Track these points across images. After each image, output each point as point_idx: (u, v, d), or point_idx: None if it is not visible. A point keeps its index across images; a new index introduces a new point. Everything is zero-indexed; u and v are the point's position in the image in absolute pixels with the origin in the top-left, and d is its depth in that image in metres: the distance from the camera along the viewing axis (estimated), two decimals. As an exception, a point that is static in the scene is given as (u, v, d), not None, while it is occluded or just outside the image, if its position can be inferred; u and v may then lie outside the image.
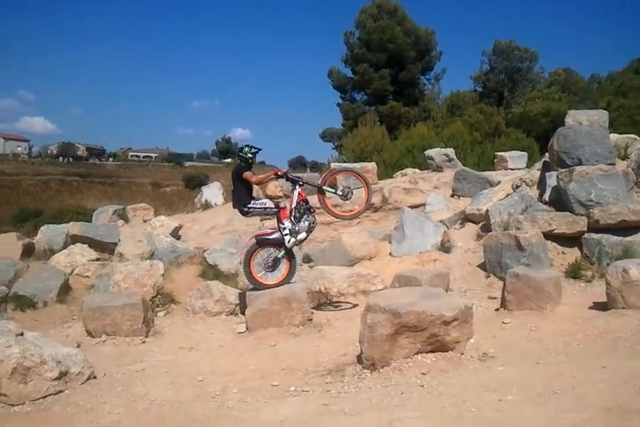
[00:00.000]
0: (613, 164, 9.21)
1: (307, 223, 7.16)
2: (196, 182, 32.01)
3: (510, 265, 7.58)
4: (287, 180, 7.41)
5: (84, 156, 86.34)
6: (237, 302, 7.60)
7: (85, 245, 10.03)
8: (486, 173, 12.22)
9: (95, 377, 5.10)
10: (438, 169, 13.31)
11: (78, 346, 5.91)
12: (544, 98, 26.99)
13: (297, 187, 7.23)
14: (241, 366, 5.44)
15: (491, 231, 8.75)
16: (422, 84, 32.74)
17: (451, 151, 13.94)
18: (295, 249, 7.46)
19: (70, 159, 78.35)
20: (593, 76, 34.98)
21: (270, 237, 7.20)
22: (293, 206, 7.16)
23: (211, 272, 9.09)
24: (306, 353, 5.73)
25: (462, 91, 30.91)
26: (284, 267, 7.18)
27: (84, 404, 4.56)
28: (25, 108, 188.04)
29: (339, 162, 15.24)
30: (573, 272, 7.71)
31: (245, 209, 7.21)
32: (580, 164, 8.86)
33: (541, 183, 9.69)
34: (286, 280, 7.08)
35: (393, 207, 11.28)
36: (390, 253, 9.35)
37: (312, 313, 6.93)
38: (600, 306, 6.34)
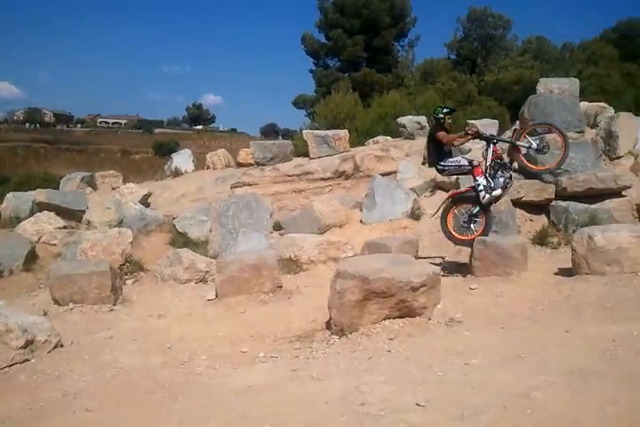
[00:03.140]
0: (582, 132, 9.31)
1: (502, 180, 7.10)
2: (166, 150, 31.41)
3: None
4: (480, 139, 7.42)
5: (52, 122, 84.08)
6: (207, 269, 7.56)
7: (52, 213, 9.88)
8: (458, 141, 12.22)
9: (62, 345, 5.04)
10: (410, 137, 13.26)
11: (45, 314, 5.84)
12: (517, 66, 26.88)
13: (491, 145, 7.19)
14: (210, 333, 5.44)
15: (460, 199, 8.78)
16: (396, 50, 32.34)
17: (423, 119, 13.85)
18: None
19: (37, 125, 76.28)
20: (565, 45, 34.92)
21: (465, 194, 7.38)
22: (488, 164, 7.16)
23: (180, 240, 9.03)
24: (275, 320, 5.74)
25: (436, 58, 30.58)
26: (480, 223, 7.23)
27: (50, 372, 4.52)
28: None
29: (311, 129, 15.04)
30: (540, 239, 7.83)
31: (440, 167, 7.35)
32: (550, 132, 8.91)
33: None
34: (483, 234, 7.02)
35: (364, 175, 11.25)
36: (361, 221, 9.37)
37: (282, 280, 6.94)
38: (565, 272, 6.45)
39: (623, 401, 3.41)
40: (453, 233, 7.31)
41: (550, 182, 8.50)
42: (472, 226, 7.25)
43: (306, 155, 12.07)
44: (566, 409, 3.35)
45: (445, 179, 9.84)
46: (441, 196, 9.77)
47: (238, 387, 4.08)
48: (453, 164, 7.23)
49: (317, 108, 20.34)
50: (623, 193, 8.52)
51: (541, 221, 8.43)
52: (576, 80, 10.60)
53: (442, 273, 5.65)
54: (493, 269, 6.46)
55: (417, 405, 3.46)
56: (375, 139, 14.16)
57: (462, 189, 7.58)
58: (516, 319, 5.21)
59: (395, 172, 11.13)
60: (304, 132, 12.73)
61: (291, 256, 7.76)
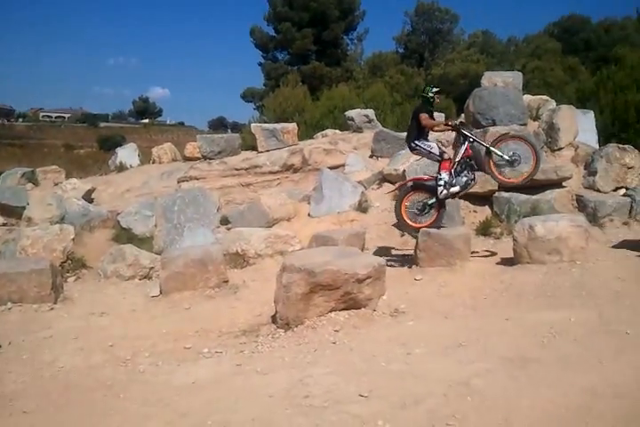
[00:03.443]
0: (525, 124, 9.51)
1: (464, 179, 7.15)
2: (111, 144, 30.71)
3: (423, 223, 7.73)
4: (458, 133, 7.41)
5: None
6: (151, 265, 7.42)
7: (-10, 209, 9.53)
8: (405, 134, 12.32)
9: (0, 346, 4.88)
10: (358, 130, 13.30)
11: (-19, 314, 5.63)
12: (463, 60, 27.40)
13: (466, 142, 7.17)
14: (153, 330, 5.33)
15: (407, 191, 8.88)
16: (345, 44, 32.52)
17: (371, 112, 13.94)
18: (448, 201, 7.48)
19: (-24, 120, 73.53)
20: (510, 39, 35.82)
21: (426, 183, 7.34)
22: (457, 160, 7.15)
23: (124, 236, 8.83)
24: (220, 315, 5.69)
25: (384, 52, 30.94)
26: (432, 214, 7.29)
27: (-14, 373, 4.36)
28: None
29: (259, 122, 14.93)
30: (483, 229, 7.99)
31: (413, 145, 7.31)
32: (495, 124, 9.10)
33: (457, 143, 9.86)
34: (432, 226, 7.07)
35: (313, 168, 11.25)
36: (309, 214, 9.37)
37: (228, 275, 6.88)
38: (507, 261, 6.59)
39: (558, 386, 3.52)
40: (405, 218, 7.36)
41: (494, 174, 8.65)
42: (424, 215, 7.32)
43: (254, 148, 11.96)
44: (504, 395, 3.43)
45: (393, 171, 9.93)
46: (388, 188, 9.87)
47: (181, 384, 4.02)
48: (426, 147, 7.23)
49: (266, 101, 20.20)
50: (563, 184, 8.77)
51: (485, 212, 8.59)
52: (519, 74, 10.81)
53: (388, 264, 5.70)
54: (438, 260, 6.56)
55: (360, 395, 3.49)
56: (324, 132, 14.17)
57: (425, 176, 7.60)
58: (458, 309, 5.31)
59: (343, 165, 11.16)
60: (252, 125, 12.60)
61: (238, 251, 7.69)
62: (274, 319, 5.15)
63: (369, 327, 4.86)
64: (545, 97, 11.60)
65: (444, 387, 3.60)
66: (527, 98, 10.91)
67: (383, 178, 10.14)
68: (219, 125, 59.84)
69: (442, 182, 7.08)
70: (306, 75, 28.40)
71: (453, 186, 7.10)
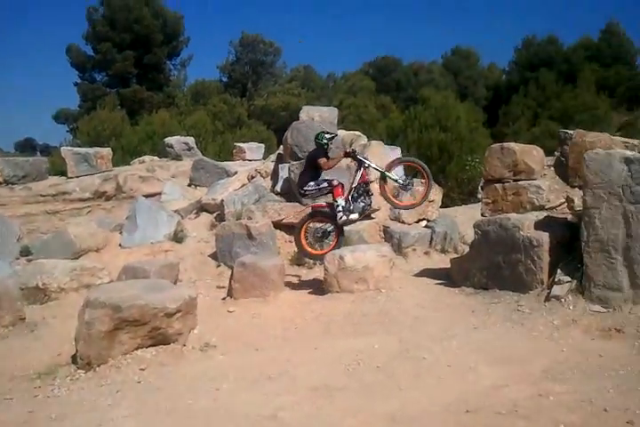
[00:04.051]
0: (341, 158, 9.95)
1: (362, 205, 7.25)
2: None
3: (241, 254, 7.74)
4: (353, 159, 7.42)
5: None
6: None
7: None
8: (224, 164, 12.35)
9: None
10: (177, 158, 13.07)
11: None
12: (285, 92, 28.31)
13: (361, 168, 7.24)
14: None
15: (225, 221, 8.87)
16: (168, 69, 31.97)
17: (191, 140, 13.80)
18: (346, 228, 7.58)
19: None
20: (329, 75, 37.89)
21: (323, 210, 7.38)
22: (353, 186, 7.27)
23: None
24: (14, 356, 5.15)
25: (208, 79, 31.04)
26: (331, 240, 7.37)
27: None
28: None
29: (72, 146, 14.08)
30: (298, 260, 8.17)
31: (302, 191, 7.39)
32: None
33: (275, 174, 10.08)
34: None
35: (128, 196, 10.80)
36: (120, 245, 8.92)
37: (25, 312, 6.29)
38: (319, 291, 6.76)
39: (361, 414, 3.65)
40: (306, 246, 7.43)
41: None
42: (324, 242, 7.44)
43: (64, 174, 11.23)
44: (309, 425, 3.49)
45: (211, 201, 9.86)
46: (206, 217, 9.79)
47: (-42, 439, 3.57)
48: (315, 188, 7.28)
49: (80, 123, 19.20)
50: (372, 216, 9.29)
51: (300, 242, 8.79)
52: (335, 109, 11.38)
53: (201, 296, 5.59)
54: (252, 291, 6.55)
55: (161, 438, 3.34)
56: (141, 158, 13.71)
57: (323, 203, 7.61)
58: (269, 340, 5.33)
59: (160, 193, 10.86)
60: (62, 149, 11.84)
61: (38, 284, 7.05)
62: (74, 359, 4.78)
63: (177, 364, 4.70)
64: (357, 132, 12.26)
65: (250, 422, 3.58)
66: (342, 133, 11.47)
67: (201, 207, 10.03)
68: (27, 147, 55.31)
69: (340, 208, 7.16)
70: (125, 98, 27.48)
71: (352, 212, 7.21)
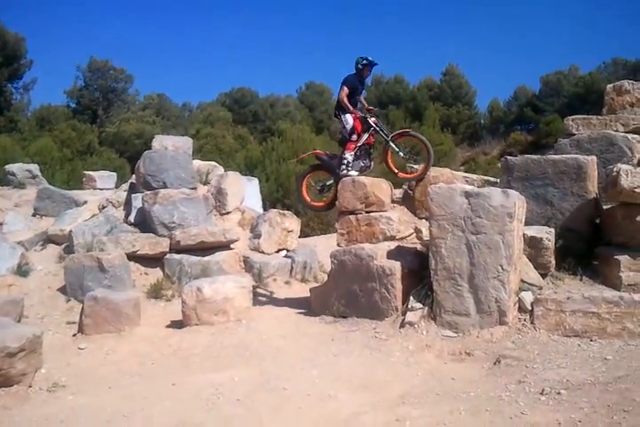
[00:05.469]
0: (195, 188, 9.87)
1: (361, 164, 7.53)
2: None
3: (92, 288, 7.34)
4: (364, 121, 7.48)
5: None
6: None
7: None
8: (73, 193, 11.70)
9: None
10: (21, 186, 12.18)
11: None
12: (138, 120, 27.55)
13: (371, 130, 7.48)
14: None
15: (74, 253, 8.40)
16: (9, 92, 29.84)
17: (35, 167, 12.92)
18: None
19: None
20: (185, 104, 37.53)
21: (326, 161, 7.72)
22: (358, 145, 7.44)
23: None
24: None
25: (55, 105, 29.43)
26: (330, 193, 7.72)
27: None
28: None
29: None
30: (155, 292, 7.91)
31: (336, 112, 7.68)
32: (165, 187, 9.22)
33: (128, 205, 9.76)
34: (328, 207, 7.92)
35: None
36: (-47, 280, 8.12)
37: None
38: (177, 324, 6.60)
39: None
40: (306, 196, 7.89)
41: (165, 236, 8.73)
42: (323, 194, 7.87)
43: None
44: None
45: (59, 232, 9.31)
46: (53, 249, 9.19)
47: None
48: (344, 121, 7.53)
49: None
50: (232, 246, 9.27)
51: (157, 274, 8.53)
52: (189, 139, 11.29)
53: (49, 333, 5.23)
54: (105, 326, 6.24)
55: None
56: (-21, 186, 12.64)
57: (327, 152, 8.04)
58: (124, 377, 5.09)
59: (1, 224, 10.05)
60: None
61: None
62: None
63: (22, 406, 4.36)
64: (214, 163, 12.24)
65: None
66: (198, 163, 11.38)
67: (48, 238, 9.43)
68: None
69: (345, 162, 7.40)
70: (-44, 121, 25.29)
71: (352, 168, 7.43)
